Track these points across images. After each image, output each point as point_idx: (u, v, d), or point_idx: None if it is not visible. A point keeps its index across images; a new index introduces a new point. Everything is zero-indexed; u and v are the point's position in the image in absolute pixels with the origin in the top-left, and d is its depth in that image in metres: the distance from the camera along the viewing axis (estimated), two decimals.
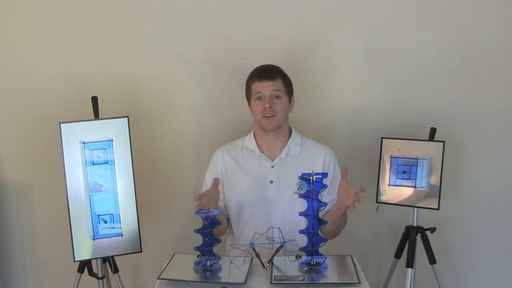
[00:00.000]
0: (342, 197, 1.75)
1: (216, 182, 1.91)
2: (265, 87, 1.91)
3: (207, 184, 2.03)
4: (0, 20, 2.31)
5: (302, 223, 1.73)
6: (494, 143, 2.38)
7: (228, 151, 2.03)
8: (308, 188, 1.65)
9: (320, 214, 1.85)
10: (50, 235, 2.43)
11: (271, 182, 1.95)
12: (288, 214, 1.92)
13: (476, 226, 2.43)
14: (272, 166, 1.97)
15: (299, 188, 1.91)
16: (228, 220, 2.04)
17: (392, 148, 2.14)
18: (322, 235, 1.94)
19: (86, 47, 2.32)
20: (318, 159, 1.97)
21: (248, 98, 2.01)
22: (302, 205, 1.70)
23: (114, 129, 1.87)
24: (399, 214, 2.31)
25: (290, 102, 2.00)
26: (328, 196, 1.94)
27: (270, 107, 1.89)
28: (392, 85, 2.36)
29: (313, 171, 1.65)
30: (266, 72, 1.94)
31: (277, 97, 1.92)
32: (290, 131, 2.04)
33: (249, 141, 2.02)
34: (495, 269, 2.47)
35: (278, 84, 1.93)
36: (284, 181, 1.94)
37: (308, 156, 1.98)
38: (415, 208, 2.14)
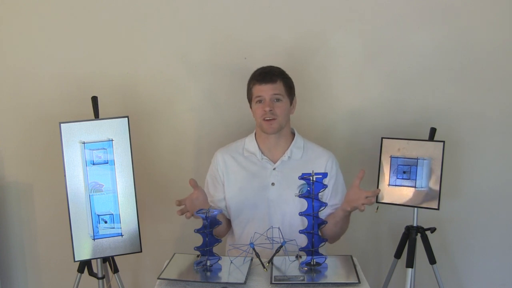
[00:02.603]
0: (351, 197, 1.77)
1: (193, 183, 1.79)
2: (265, 91, 1.90)
3: (208, 185, 2.03)
4: (0, 20, 2.31)
5: (302, 226, 1.73)
6: (494, 143, 2.38)
7: (229, 152, 2.03)
8: (309, 189, 1.65)
9: (323, 217, 1.85)
10: (50, 235, 2.43)
11: (273, 184, 1.95)
12: (289, 216, 1.92)
13: (476, 226, 2.43)
14: (274, 169, 1.96)
15: (301, 191, 1.90)
16: (229, 221, 2.04)
17: (392, 148, 2.14)
18: (325, 237, 1.95)
19: (86, 47, 2.32)
20: (320, 163, 1.97)
21: (250, 100, 2.00)
22: (303, 208, 1.70)
23: (114, 129, 1.87)
24: (399, 214, 2.31)
25: (291, 104, 1.99)
26: (330, 200, 1.94)
27: (270, 110, 1.89)
28: (392, 85, 2.36)
29: (313, 171, 1.65)
30: (267, 75, 1.92)
31: (278, 100, 1.91)
32: (293, 134, 2.03)
33: (251, 143, 2.01)
34: (495, 269, 2.47)
35: (278, 86, 1.92)
36: (285, 184, 1.94)
37: (310, 159, 1.98)
38: (415, 208, 2.14)
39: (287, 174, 1.94)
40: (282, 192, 1.94)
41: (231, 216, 2.01)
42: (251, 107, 2.01)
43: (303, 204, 1.71)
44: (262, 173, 1.97)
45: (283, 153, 1.97)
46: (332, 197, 1.96)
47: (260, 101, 1.92)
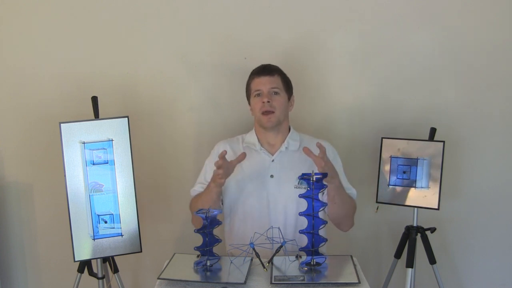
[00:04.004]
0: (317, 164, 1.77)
1: (223, 154, 1.77)
2: (263, 84, 1.94)
3: (206, 170, 2.02)
4: (0, 20, 2.31)
5: (302, 217, 1.73)
6: (494, 143, 2.38)
7: (229, 143, 2.05)
8: (308, 188, 1.65)
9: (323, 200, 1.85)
10: (50, 235, 2.43)
11: (272, 176, 1.96)
12: (288, 208, 1.93)
13: (476, 226, 2.43)
14: (273, 160, 1.97)
15: (300, 182, 1.91)
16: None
17: (392, 148, 2.14)
18: (337, 224, 1.96)
19: (86, 47, 2.32)
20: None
21: (248, 96, 2.03)
22: (303, 200, 1.69)
23: (114, 129, 1.87)
24: (399, 214, 2.31)
25: (289, 100, 2.01)
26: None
27: (268, 101, 1.91)
28: (392, 85, 2.36)
29: (313, 171, 1.65)
30: (265, 68, 1.97)
31: (276, 93, 1.94)
32: (289, 130, 2.05)
33: (251, 137, 2.04)
34: (495, 268, 2.47)
35: (276, 80, 1.95)
36: (284, 176, 1.95)
37: None
38: (415, 208, 2.14)
39: (286, 165, 1.95)
40: (281, 184, 1.94)
41: (230, 210, 2.01)
42: (249, 104, 2.03)
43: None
44: (261, 165, 1.97)
45: (281, 146, 1.99)
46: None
47: (258, 95, 1.95)
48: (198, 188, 2.01)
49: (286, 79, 2.01)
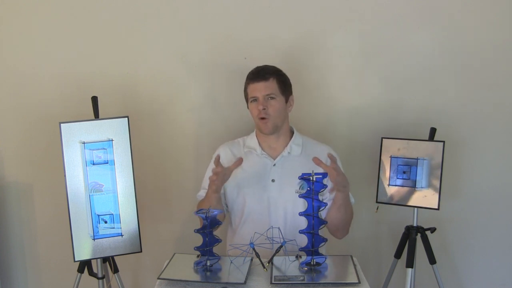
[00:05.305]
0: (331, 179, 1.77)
1: (217, 158, 1.82)
2: (258, 90, 1.93)
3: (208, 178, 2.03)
4: (0, 20, 2.31)
5: (303, 222, 1.74)
6: (494, 143, 2.38)
7: (231, 147, 2.04)
8: (308, 188, 1.65)
9: (325, 212, 1.86)
10: (50, 235, 2.43)
11: (273, 180, 1.96)
12: (289, 213, 1.93)
13: (476, 226, 2.43)
14: (274, 165, 1.97)
15: (301, 187, 1.91)
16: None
17: (392, 148, 2.14)
18: (334, 231, 1.96)
19: (86, 47, 2.32)
20: (320, 158, 1.97)
21: (246, 100, 2.03)
22: (304, 204, 1.70)
23: (114, 129, 1.87)
24: (399, 214, 2.31)
25: (287, 101, 2.00)
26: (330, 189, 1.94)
27: (263, 109, 1.91)
28: (392, 85, 2.36)
29: (313, 171, 1.65)
30: (260, 73, 1.95)
31: (272, 98, 1.93)
32: (292, 131, 2.05)
33: (251, 140, 2.03)
34: (496, 269, 2.47)
35: (271, 85, 1.93)
36: (286, 180, 1.94)
37: (310, 155, 1.97)
38: (415, 208, 2.14)
39: (288, 170, 1.95)
40: (282, 189, 1.94)
41: (231, 213, 2.02)
42: (248, 107, 2.02)
43: (304, 200, 1.71)
44: (262, 170, 1.97)
45: (282, 149, 1.99)
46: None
47: (254, 100, 1.95)
48: (202, 193, 2.02)
49: (283, 80, 1.99)
